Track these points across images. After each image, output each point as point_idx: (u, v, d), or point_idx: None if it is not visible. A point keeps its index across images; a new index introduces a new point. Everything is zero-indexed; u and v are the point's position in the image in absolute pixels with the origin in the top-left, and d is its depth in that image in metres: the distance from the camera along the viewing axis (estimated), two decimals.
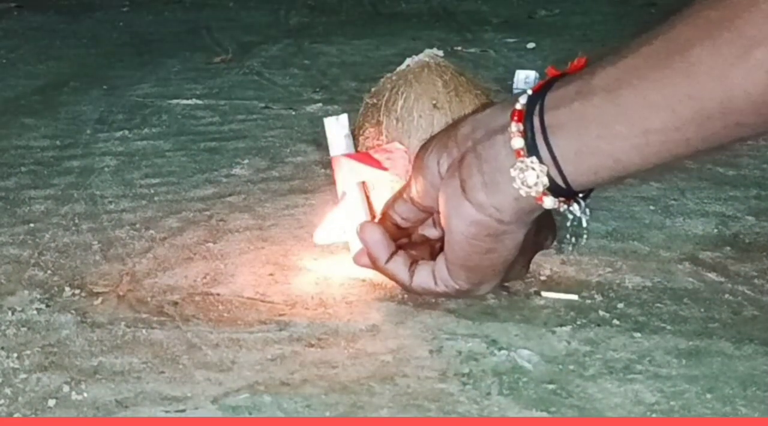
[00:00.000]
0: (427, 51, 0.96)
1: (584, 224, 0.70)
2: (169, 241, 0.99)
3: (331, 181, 0.94)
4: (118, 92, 1.60)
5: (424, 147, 0.77)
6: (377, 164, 0.90)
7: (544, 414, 0.67)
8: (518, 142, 0.68)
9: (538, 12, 2.18)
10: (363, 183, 0.88)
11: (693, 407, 0.68)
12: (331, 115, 0.93)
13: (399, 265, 0.79)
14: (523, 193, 0.68)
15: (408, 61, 0.96)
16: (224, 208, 1.08)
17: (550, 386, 0.71)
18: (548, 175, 0.67)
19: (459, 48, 1.86)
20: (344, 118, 0.93)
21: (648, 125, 0.62)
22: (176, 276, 0.91)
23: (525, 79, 0.94)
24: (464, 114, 0.84)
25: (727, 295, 0.84)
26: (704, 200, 1.08)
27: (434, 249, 0.80)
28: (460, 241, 0.73)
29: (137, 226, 1.03)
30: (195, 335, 0.79)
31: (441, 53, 0.96)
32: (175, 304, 0.85)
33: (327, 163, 1.03)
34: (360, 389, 0.71)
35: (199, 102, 1.53)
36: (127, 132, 1.37)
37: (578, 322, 0.80)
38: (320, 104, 1.50)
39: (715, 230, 0.99)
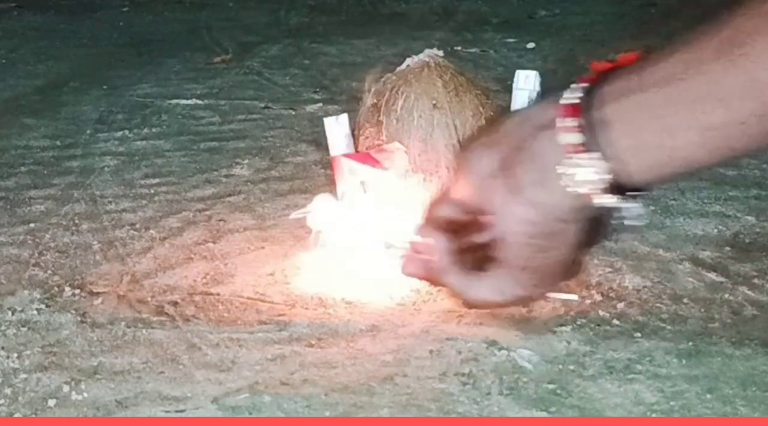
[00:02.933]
0: (427, 51, 0.96)
1: (640, 222, 0.68)
2: (169, 241, 0.99)
3: (331, 181, 0.94)
4: (118, 92, 1.59)
5: (467, 147, 0.75)
6: (377, 164, 0.90)
7: (544, 414, 0.67)
8: (571, 138, 0.66)
9: (538, 12, 2.18)
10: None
11: (693, 407, 0.68)
12: (331, 115, 0.93)
13: (458, 276, 0.77)
14: (576, 190, 0.67)
15: (408, 61, 0.96)
16: (224, 208, 1.07)
17: (550, 386, 0.71)
18: (604, 172, 0.65)
19: (459, 48, 1.86)
20: (344, 118, 0.93)
21: (710, 120, 0.61)
22: (176, 276, 0.91)
23: (525, 79, 0.94)
24: (466, 113, 0.83)
25: (727, 295, 0.84)
26: (704, 200, 1.08)
27: (482, 255, 0.78)
28: (517, 243, 0.71)
29: (137, 226, 1.03)
30: (195, 335, 0.79)
31: (441, 53, 0.96)
32: (175, 304, 0.85)
33: (327, 163, 1.03)
34: (360, 389, 0.71)
35: (199, 102, 1.52)
36: (127, 132, 1.37)
37: (578, 322, 0.80)
38: (320, 104, 1.50)
39: (715, 230, 0.99)
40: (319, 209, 0.86)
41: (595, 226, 0.76)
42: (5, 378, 0.73)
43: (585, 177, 0.67)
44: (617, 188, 0.68)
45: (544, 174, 0.70)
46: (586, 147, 0.67)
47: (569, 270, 0.77)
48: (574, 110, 0.68)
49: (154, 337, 0.79)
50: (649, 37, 1.88)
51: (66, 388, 0.71)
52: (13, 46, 1.95)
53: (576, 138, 0.68)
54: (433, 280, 0.82)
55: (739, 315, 0.81)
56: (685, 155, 0.66)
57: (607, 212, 0.72)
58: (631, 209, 0.69)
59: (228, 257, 0.94)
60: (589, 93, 0.69)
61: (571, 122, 0.68)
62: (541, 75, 0.94)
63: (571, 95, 0.69)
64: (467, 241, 0.79)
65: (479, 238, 0.79)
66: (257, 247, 0.96)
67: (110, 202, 1.10)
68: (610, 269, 0.90)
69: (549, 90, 0.75)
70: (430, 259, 0.79)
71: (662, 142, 0.65)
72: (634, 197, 0.69)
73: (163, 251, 0.96)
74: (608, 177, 0.67)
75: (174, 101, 1.53)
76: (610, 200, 0.68)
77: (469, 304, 0.81)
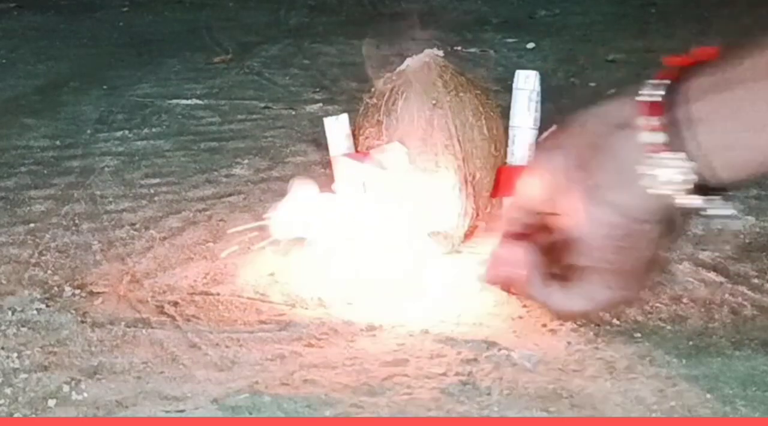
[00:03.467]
0: (427, 51, 0.96)
1: (729, 219, 0.66)
2: (169, 241, 0.99)
3: (331, 181, 0.94)
4: (118, 92, 1.59)
5: (542, 148, 0.73)
6: (377, 164, 0.90)
7: (544, 414, 0.67)
8: (653, 137, 0.63)
9: (538, 12, 2.18)
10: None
11: (693, 407, 0.68)
12: (331, 115, 0.93)
13: (546, 289, 0.73)
14: (658, 190, 0.64)
15: (408, 61, 0.96)
16: (224, 208, 1.08)
17: (550, 386, 0.71)
18: (689, 172, 0.62)
19: (459, 48, 1.85)
20: (344, 118, 0.93)
21: None
22: (176, 276, 0.91)
23: (525, 79, 0.94)
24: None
25: (727, 295, 0.84)
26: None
27: (564, 263, 0.74)
28: (597, 246, 0.69)
29: (137, 226, 1.03)
30: (195, 335, 0.79)
31: (441, 53, 0.96)
32: (175, 304, 0.85)
33: (327, 163, 1.03)
34: (360, 389, 0.71)
35: (199, 102, 1.52)
36: (127, 132, 1.37)
37: (578, 322, 0.80)
38: (320, 104, 1.50)
39: (715, 230, 0.99)
40: (294, 209, 0.86)
41: (674, 223, 0.71)
42: (5, 378, 0.73)
43: (668, 177, 0.64)
44: (700, 187, 0.64)
45: (623, 175, 0.66)
46: (670, 146, 0.64)
47: (652, 268, 0.73)
48: (657, 108, 0.65)
49: (155, 337, 0.79)
50: (649, 37, 1.88)
51: (66, 388, 0.71)
52: (13, 46, 1.95)
53: (659, 137, 0.64)
54: (516, 291, 0.79)
55: (739, 315, 0.81)
56: None
57: (689, 211, 0.68)
58: (719, 209, 0.65)
59: (228, 257, 0.94)
60: (670, 90, 0.65)
61: (654, 121, 0.64)
62: (541, 75, 0.94)
63: (651, 92, 0.65)
64: (548, 249, 0.75)
65: (558, 243, 0.74)
66: (257, 247, 0.96)
67: (110, 202, 1.10)
68: None
69: (618, 85, 0.70)
70: (513, 270, 0.76)
71: (749, 140, 0.62)
72: (716, 196, 0.65)
73: (163, 251, 0.96)
74: (693, 177, 0.64)
75: (174, 101, 1.53)
76: (694, 201, 0.65)
77: (562, 316, 0.79)
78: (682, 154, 0.63)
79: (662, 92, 0.65)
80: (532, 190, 0.73)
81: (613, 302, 0.74)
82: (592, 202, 0.68)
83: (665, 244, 0.71)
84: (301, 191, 0.88)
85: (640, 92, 0.65)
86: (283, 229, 0.89)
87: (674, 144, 0.63)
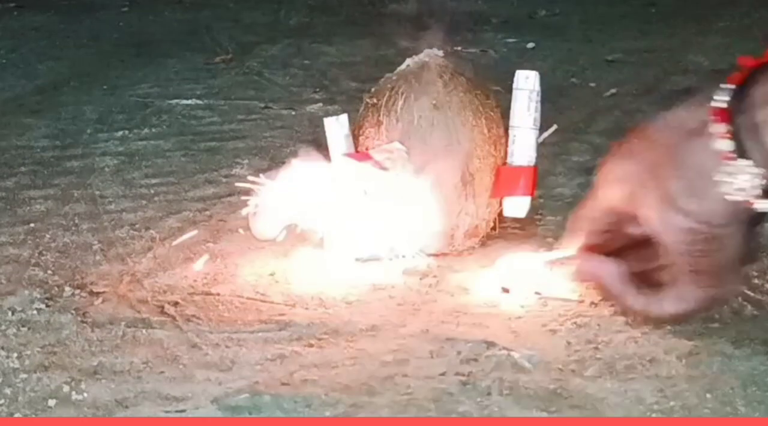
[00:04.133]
0: (427, 51, 0.96)
1: None
2: (169, 241, 0.99)
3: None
4: (118, 92, 1.60)
5: (612, 153, 0.72)
6: (377, 164, 0.90)
7: (544, 414, 0.67)
8: (724, 145, 0.62)
9: (538, 12, 2.18)
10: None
11: (693, 407, 0.68)
12: (331, 115, 0.93)
13: (638, 298, 0.74)
14: (733, 197, 0.63)
15: (408, 61, 0.96)
16: (224, 208, 1.07)
17: (550, 386, 0.71)
18: (758, 178, 0.62)
19: (459, 48, 1.85)
20: (344, 118, 0.93)
21: None
22: (176, 276, 0.91)
23: (525, 79, 0.94)
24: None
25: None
26: None
27: (649, 268, 0.74)
28: (680, 251, 0.68)
29: (137, 226, 1.03)
30: (195, 335, 0.79)
31: (441, 53, 0.96)
32: (175, 304, 0.85)
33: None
34: (360, 389, 0.71)
35: (199, 102, 1.52)
36: (127, 132, 1.37)
37: (578, 322, 0.80)
38: (320, 104, 1.50)
39: None
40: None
41: (756, 218, 0.69)
42: (5, 378, 0.73)
43: (742, 184, 0.63)
44: None
45: (696, 182, 0.65)
46: (738, 153, 0.63)
47: (744, 260, 0.72)
48: (725, 115, 0.64)
49: (155, 336, 0.79)
50: (649, 37, 1.88)
51: (66, 388, 0.71)
52: (13, 46, 1.95)
53: (727, 145, 0.63)
54: (608, 296, 0.78)
55: (739, 315, 0.81)
56: None
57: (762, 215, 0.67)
58: None
59: (228, 257, 0.94)
60: (737, 95, 0.64)
61: (722, 128, 0.63)
62: (541, 75, 0.94)
63: (721, 98, 0.64)
64: (631, 259, 0.74)
65: (640, 247, 0.73)
66: (257, 247, 0.96)
67: (110, 202, 1.10)
68: None
69: (695, 90, 0.69)
70: (601, 281, 0.75)
71: None
72: None
73: (163, 251, 0.96)
74: (762, 183, 0.63)
75: (174, 101, 1.53)
76: (766, 205, 0.63)
77: (658, 321, 0.78)
78: (749, 162, 0.62)
79: (728, 98, 0.64)
80: (605, 198, 0.72)
81: (707, 302, 0.73)
82: (668, 209, 0.67)
83: (753, 236, 0.70)
84: (299, 171, 0.88)
85: (713, 97, 0.64)
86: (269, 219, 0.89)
87: (740, 151, 0.62)
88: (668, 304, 0.73)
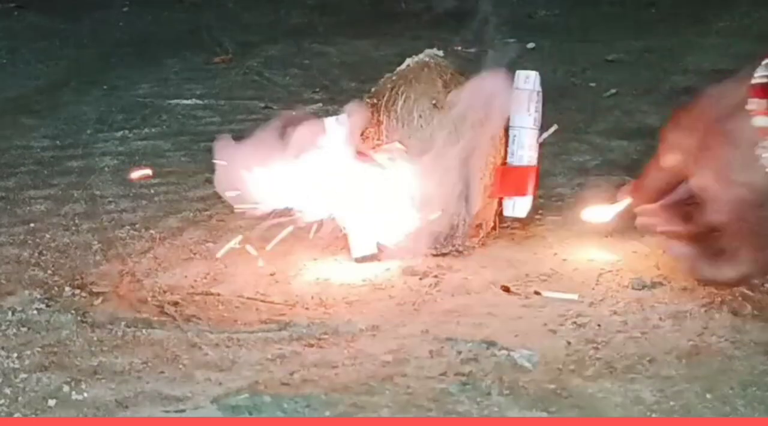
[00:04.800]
0: (427, 51, 0.96)
1: None
2: (169, 241, 0.99)
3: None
4: (118, 92, 1.60)
5: (671, 122, 0.74)
6: (377, 164, 0.90)
7: (544, 414, 0.67)
8: (762, 121, 0.65)
9: (538, 12, 2.18)
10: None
11: (693, 407, 0.68)
12: (331, 115, 0.93)
13: (707, 264, 0.76)
14: None
15: (408, 61, 0.96)
16: (224, 208, 1.07)
17: (550, 386, 0.71)
18: None
19: (459, 48, 1.85)
20: (344, 118, 0.93)
21: None
22: (176, 276, 0.91)
23: (525, 79, 0.94)
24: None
25: (727, 295, 0.84)
26: None
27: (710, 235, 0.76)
28: (737, 219, 0.70)
29: (137, 226, 1.03)
30: (195, 335, 0.79)
31: (441, 53, 0.96)
32: (175, 304, 0.85)
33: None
34: (360, 389, 0.71)
35: (199, 102, 1.52)
36: (127, 132, 1.37)
37: (578, 322, 0.80)
38: (320, 104, 1.50)
39: None
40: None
41: None
42: (5, 378, 0.73)
43: None
44: None
45: (741, 154, 0.67)
46: None
47: None
48: (764, 91, 0.65)
49: (155, 336, 0.79)
50: (649, 37, 1.88)
51: (66, 388, 0.71)
52: (13, 46, 1.95)
53: (763, 121, 0.65)
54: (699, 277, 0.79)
55: (739, 315, 0.81)
56: None
57: None
58: None
59: (228, 257, 0.94)
60: None
61: (759, 104, 0.65)
62: (541, 75, 0.94)
63: (762, 74, 0.66)
64: (681, 213, 0.76)
65: (699, 220, 0.74)
66: (257, 247, 0.96)
67: (110, 202, 1.10)
68: (610, 269, 0.90)
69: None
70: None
71: None
72: None
73: (163, 251, 0.96)
74: None
75: (174, 101, 1.53)
76: None
77: (727, 285, 0.80)
78: None
79: (765, 73, 0.65)
80: (661, 167, 0.75)
81: (764, 264, 0.75)
82: (721, 182, 0.69)
83: None
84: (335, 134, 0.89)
85: (754, 74, 0.66)
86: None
87: None
88: (737, 268, 0.75)
